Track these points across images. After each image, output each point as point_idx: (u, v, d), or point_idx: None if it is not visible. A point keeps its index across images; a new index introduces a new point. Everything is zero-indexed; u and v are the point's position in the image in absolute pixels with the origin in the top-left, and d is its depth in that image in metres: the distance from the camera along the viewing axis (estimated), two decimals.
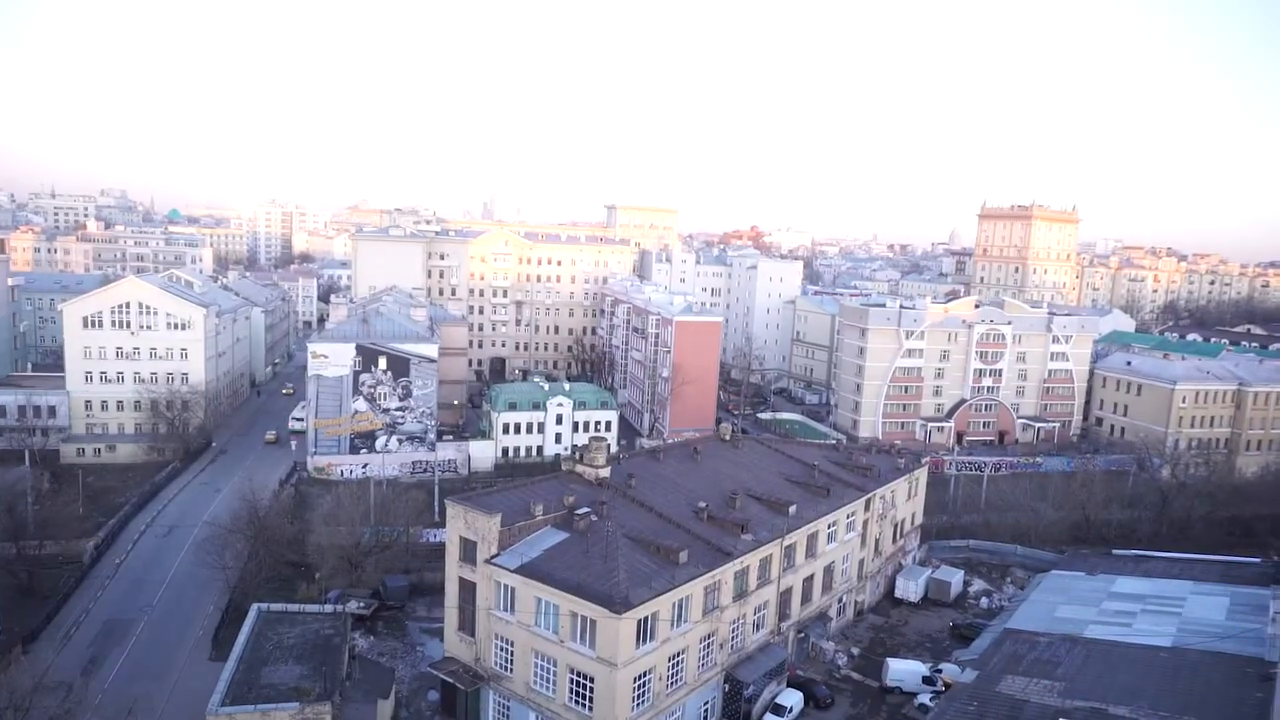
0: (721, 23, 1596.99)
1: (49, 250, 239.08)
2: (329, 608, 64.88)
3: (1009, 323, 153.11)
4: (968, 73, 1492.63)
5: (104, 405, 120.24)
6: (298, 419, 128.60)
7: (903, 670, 69.08)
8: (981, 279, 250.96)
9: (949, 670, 66.84)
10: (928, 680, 67.49)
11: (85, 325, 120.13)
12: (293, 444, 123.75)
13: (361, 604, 72.90)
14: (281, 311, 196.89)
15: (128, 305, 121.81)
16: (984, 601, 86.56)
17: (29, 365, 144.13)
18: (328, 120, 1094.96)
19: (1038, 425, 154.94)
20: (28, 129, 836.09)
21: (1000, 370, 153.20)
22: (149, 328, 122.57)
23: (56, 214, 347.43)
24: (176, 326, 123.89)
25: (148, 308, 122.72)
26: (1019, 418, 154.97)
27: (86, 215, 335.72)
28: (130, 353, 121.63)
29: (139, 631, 71.30)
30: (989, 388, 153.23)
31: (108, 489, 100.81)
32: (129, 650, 68.34)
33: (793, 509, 68.85)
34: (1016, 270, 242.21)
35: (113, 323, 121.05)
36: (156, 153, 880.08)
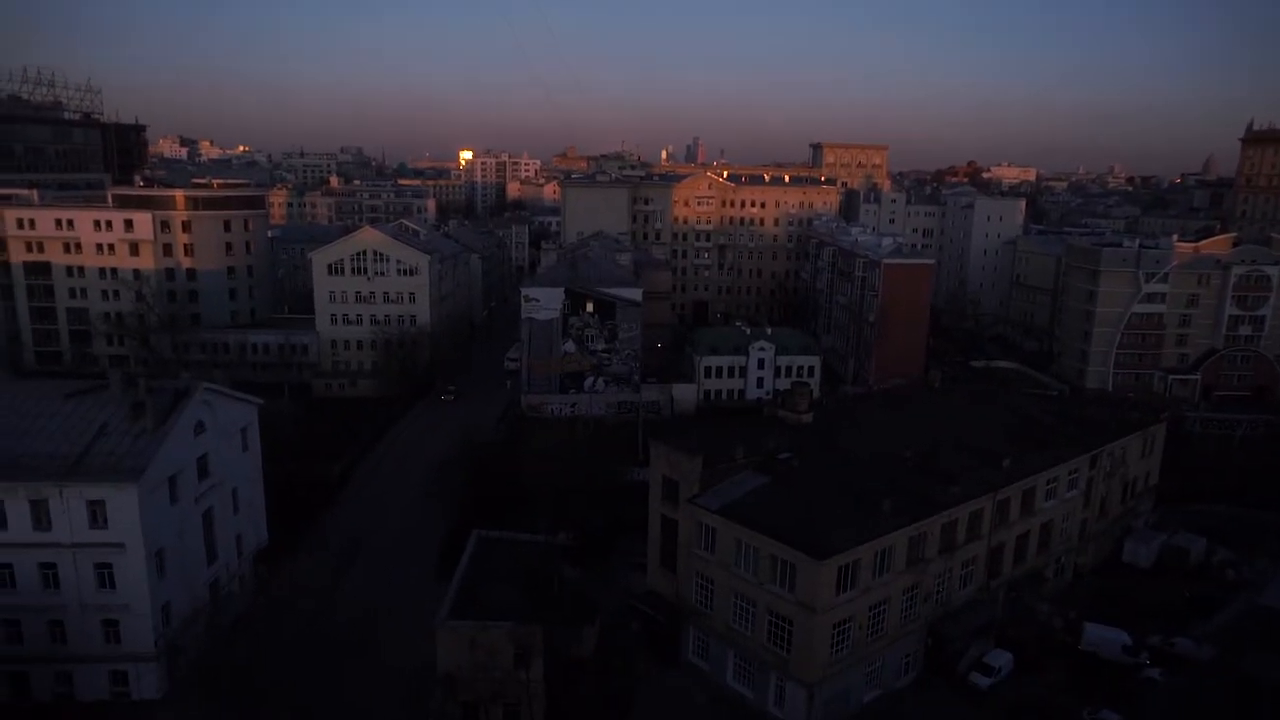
0: None
1: (299, 204, 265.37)
2: (540, 537, 68.92)
3: (1276, 263, 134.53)
4: None
5: (346, 345, 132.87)
6: (512, 359, 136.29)
7: (1100, 635, 64.23)
8: (1243, 213, 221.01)
9: (1183, 645, 61.36)
10: (1128, 649, 62.33)
11: (330, 272, 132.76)
12: (507, 383, 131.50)
13: (570, 536, 76.82)
14: (497, 257, 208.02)
15: (364, 253, 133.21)
16: (1230, 573, 78.15)
17: (286, 308, 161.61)
18: (537, 71, 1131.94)
19: None
20: (281, 97, 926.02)
21: (1263, 317, 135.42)
22: (382, 273, 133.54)
23: (305, 171, 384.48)
24: (406, 272, 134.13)
25: (381, 255, 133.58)
26: None
27: (329, 172, 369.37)
28: (367, 296, 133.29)
29: (378, 548, 79.34)
30: (1247, 336, 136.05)
31: (350, 419, 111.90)
32: (370, 564, 76.30)
33: (1007, 462, 64.94)
34: None
35: (352, 269, 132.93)
36: (388, 112, 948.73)
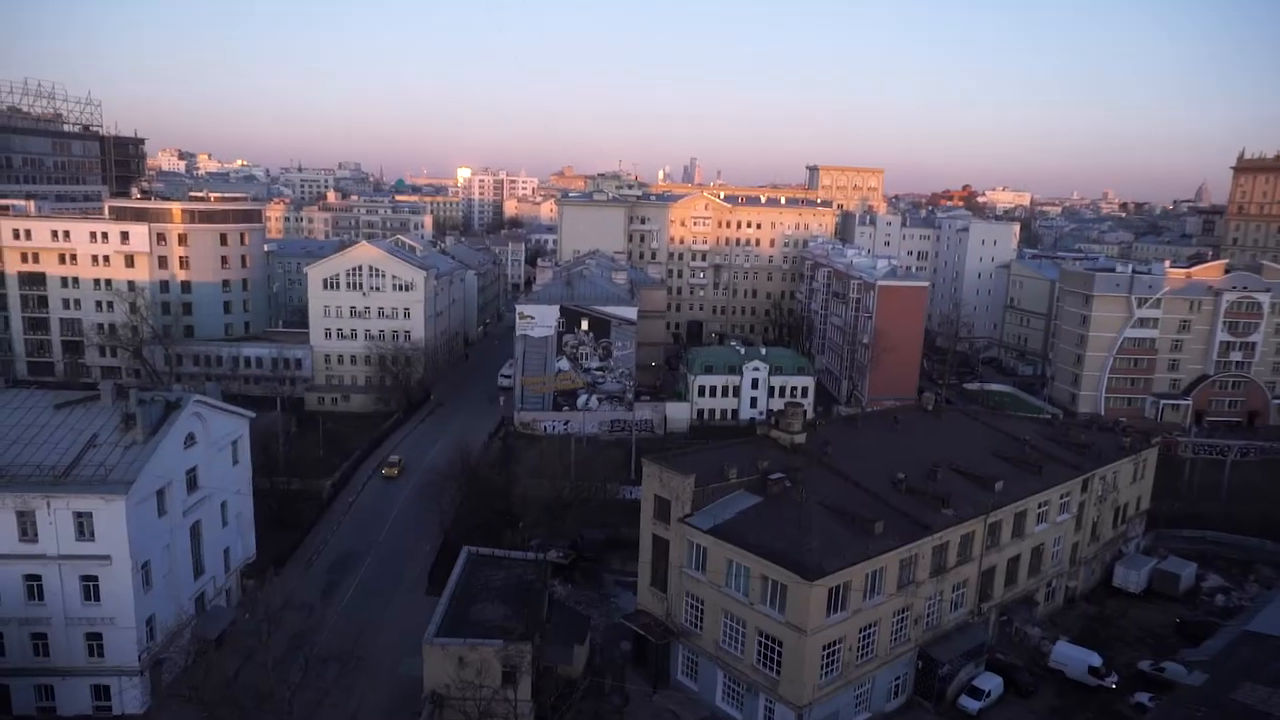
0: None
1: (296, 219, 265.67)
2: (531, 555, 68.68)
3: (1267, 290, 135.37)
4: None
5: (340, 359, 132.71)
6: (505, 376, 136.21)
7: (1068, 654, 64.50)
8: (1235, 240, 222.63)
9: (1173, 670, 61.19)
10: (1094, 670, 62.69)
11: (325, 286, 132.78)
12: (500, 400, 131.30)
13: (561, 554, 76.68)
14: (492, 274, 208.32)
15: (360, 268, 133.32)
16: (1220, 599, 78.14)
17: (280, 322, 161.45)
18: (536, 90, 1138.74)
19: None
20: (280, 112, 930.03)
21: (1253, 344, 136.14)
22: (378, 289, 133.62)
23: (302, 186, 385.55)
24: (401, 288, 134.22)
25: (377, 270, 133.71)
26: (1274, 397, 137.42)
27: (327, 187, 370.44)
28: (362, 311, 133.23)
29: (367, 564, 78.94)
30: (1238, 362, 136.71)
31: (342, 434, 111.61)
32: (359, 579, 75.88)
33: (999, 485, 64.96)
34: None
35: (348, 284, 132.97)
36: (386, 129, 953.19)
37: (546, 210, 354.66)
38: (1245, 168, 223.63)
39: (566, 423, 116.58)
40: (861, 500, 59.33)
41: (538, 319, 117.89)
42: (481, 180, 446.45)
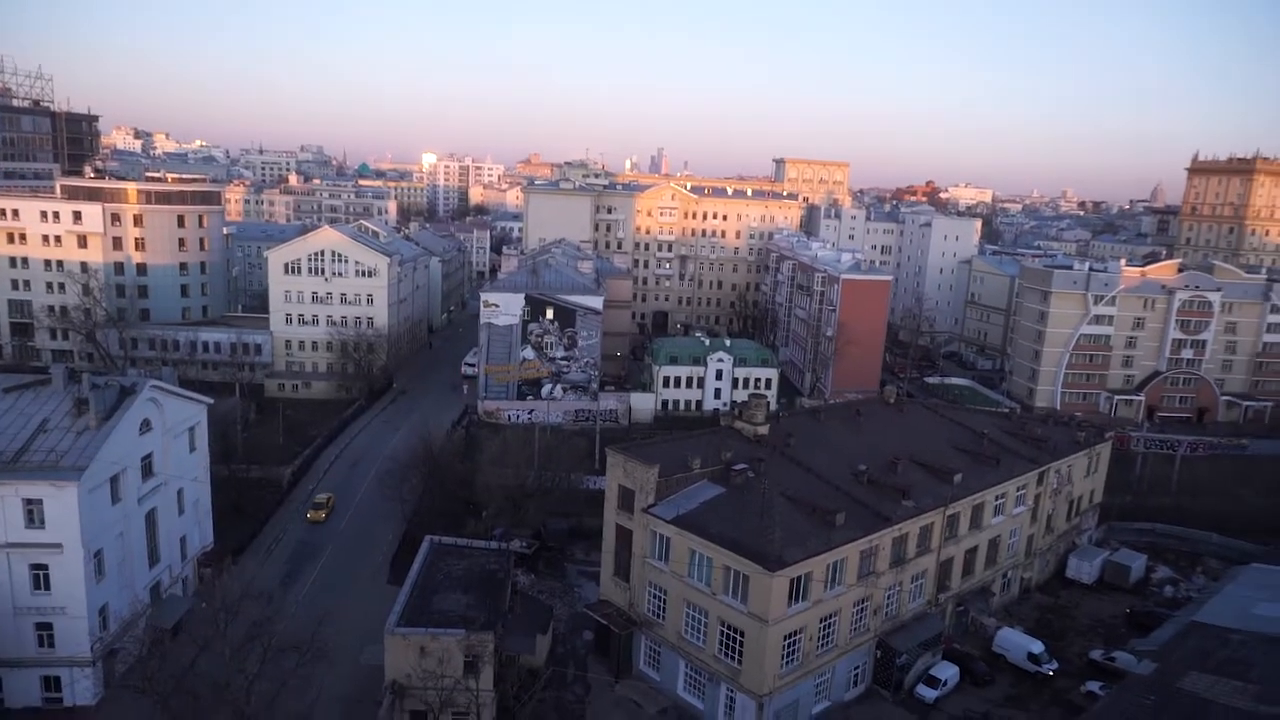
0: None
1: (256, 202, 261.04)
2: (494, 544, 68.40)
3: (1218, 289, 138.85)
4: (1179, 4, 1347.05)
5: (301, 345, 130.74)
6: (469, 364, 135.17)
7: (1010, 640, 66.29)
8: (1188, 240, 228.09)
9: (1123, 659, 62.75)
10: (1033, 657, 64.44)
11: (286, 271, 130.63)
12: (464, 388, 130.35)
13: (524, 543, 76.50)
14: (457, 261, 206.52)
15: (322, 253, 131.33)
16: (1168, 590, 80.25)
17: (240, 307, 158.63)
18: (504, 77, 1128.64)
19: (1245, 404, 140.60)
20: (241, 92, 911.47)
21: (1204, 341, 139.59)
22: (340, 274, 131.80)
23: (263, 169, 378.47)
24: (364, 274, 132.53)
25: (339, 256, 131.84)
26: (1223, 394, 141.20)
27: (289, 169, 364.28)
28: (324, 297, 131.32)
29: (328, 553, 78.04)
30: (1189, 360, 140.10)
31: (303, 421, 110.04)
32: (319, 568, 75.01)
33: (958, 477, 66.04)
34: (1231, 231, 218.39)
35: (309, 269, 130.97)
36: (350, 111, 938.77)
37: (513, 198, 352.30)
38: (1198, 169, 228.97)
39: (531, 412, 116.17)
40: (824, 492, 59.96)
41: (502, 307, 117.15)
42: (447, 166, 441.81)
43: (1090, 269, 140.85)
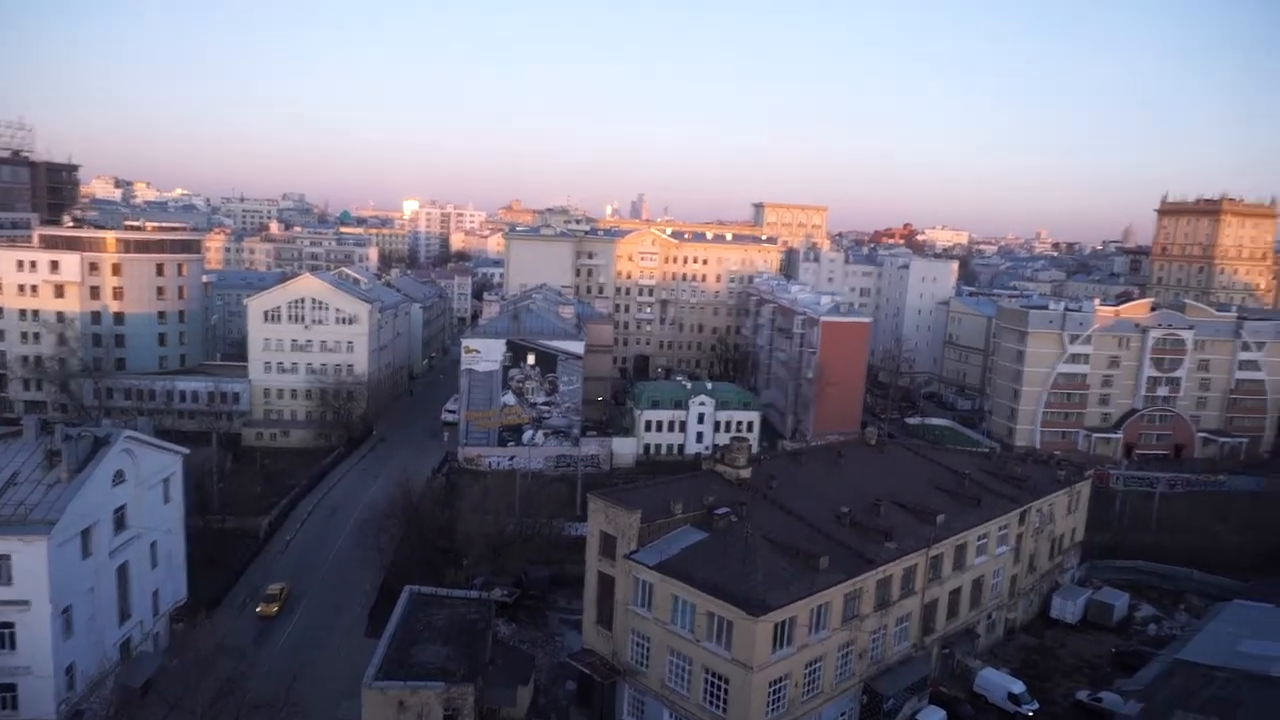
0: (873, 15, 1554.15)
1: (237, 249, 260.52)
2: (475, 594, 67.45)
3: (1190, 327, 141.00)
4: (1147, 49, 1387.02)
5: (280, 393, 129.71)
6: (450, 411, 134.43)
7: (991, 681, 65.94)
8: (1159, 280, 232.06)
9: (1109, 700, 62.35)
10: (1013, 697, 64.03)
11: (266, 319, 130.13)
12: (444, 435, 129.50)
13: (505, 592, 75.46)
14: (439, 308, 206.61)
15: (303, 301, 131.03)
16: (1151, 628, 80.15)
17: (218, 355, 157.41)
18: (486, 124, 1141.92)
19: (1221, 440, 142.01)
20: (223, 140, 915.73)
21: (1178, 379, 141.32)
22: (320, 321, 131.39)
23: (244, 216, 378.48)
24: (344, 321, 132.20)
25: (320, 303, 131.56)
26: (1199, 431, 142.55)
27: (269, 217, 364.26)
28: (304, 345, 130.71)
29: (304, 605, 76.62)
30: (1164, 398, 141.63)
31: (281, 471, 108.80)
32: (296, 621, 73.58)
33: (940, 518, 66.01)
34: (1201, 270, 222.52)
35: (289, 316, 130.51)
36: (332, 159, 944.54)
37: (494, 244, 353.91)
38: (1168, 210, 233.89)
39: (512, 458, 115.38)
40: (806, 534, 59.68)
41: (484, 353, 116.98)
42: (429, 213, 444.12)
43: (1066, 309, 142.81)
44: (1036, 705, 64.42)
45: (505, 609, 74.09)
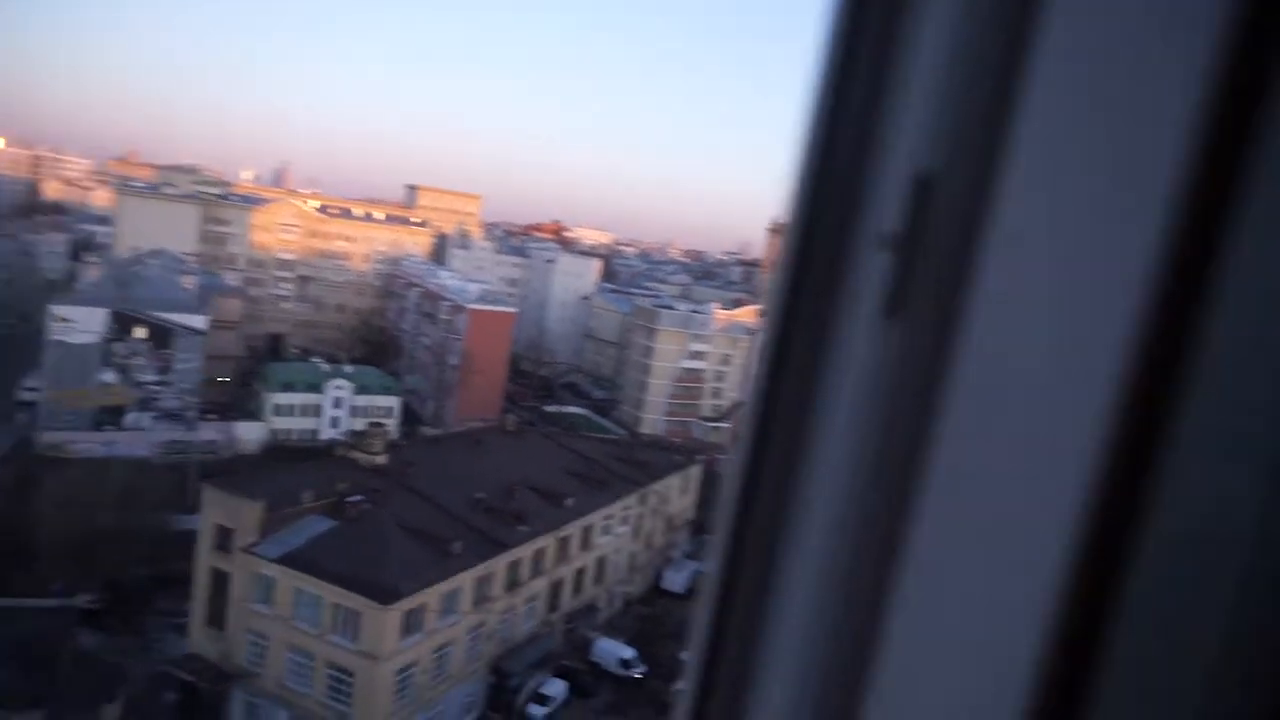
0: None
1: None
2: (53, 601, 58.50)
3: None
4: (775, 84, 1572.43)
5: None
6: (30, 389, 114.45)
7: (605, 650, 72.04)
8: (768, 289, 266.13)
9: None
10: (624, 663, 70.68)
11: None
12: (21, 417, 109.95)
13: (92, 597, 66.14)
14: (21, 267, 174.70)
15: None
16: None
17: None
18: (96, 55, 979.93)
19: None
20: None
21: None
22: None
23: None
24: None
25: None
26: None
27: None
28: None
29: None
30: None
31: None
32: None
33: (570, 501, 69.99)
34: None
35: None
36: None
37: (102, 198, 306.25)
38: (775, 229, 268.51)
39: (111, 444, 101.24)
40: (442, 521, 59.98)
41: (79, 323, 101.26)
42: (15, 154, 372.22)
43: (691, 310, 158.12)
44: (645, 668, 70.83)
45: (92, 617, 65.02)
